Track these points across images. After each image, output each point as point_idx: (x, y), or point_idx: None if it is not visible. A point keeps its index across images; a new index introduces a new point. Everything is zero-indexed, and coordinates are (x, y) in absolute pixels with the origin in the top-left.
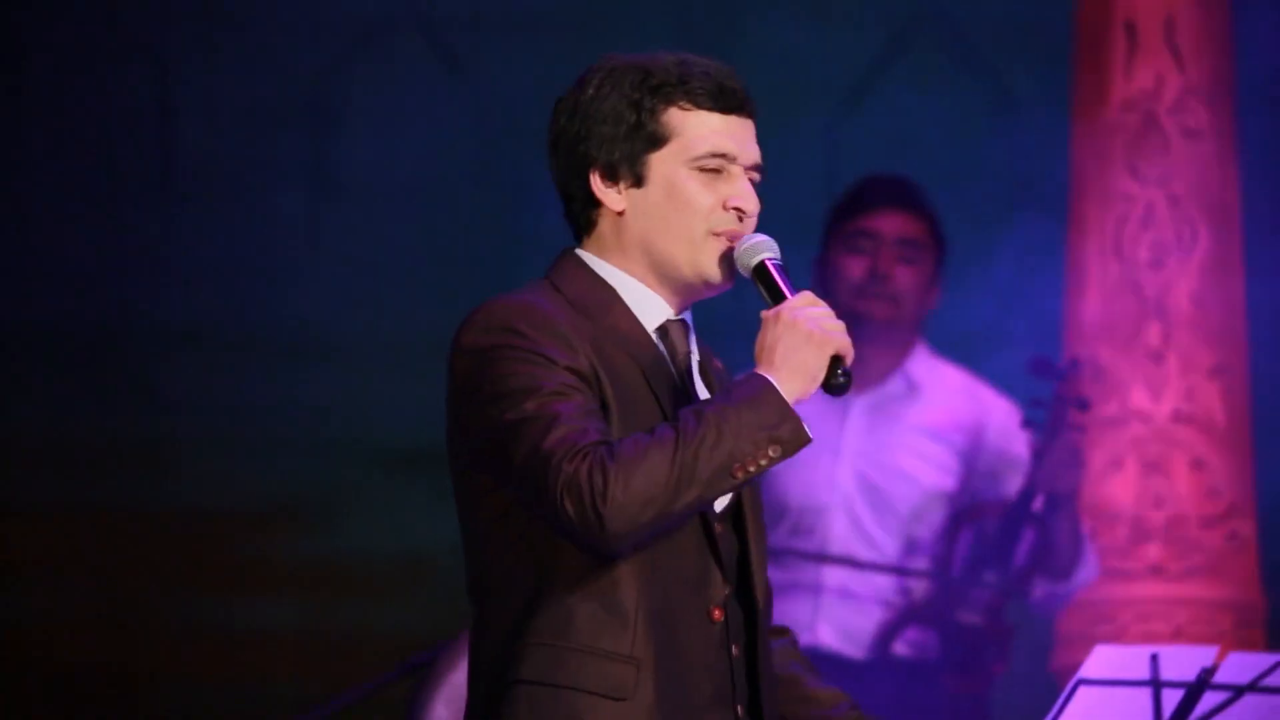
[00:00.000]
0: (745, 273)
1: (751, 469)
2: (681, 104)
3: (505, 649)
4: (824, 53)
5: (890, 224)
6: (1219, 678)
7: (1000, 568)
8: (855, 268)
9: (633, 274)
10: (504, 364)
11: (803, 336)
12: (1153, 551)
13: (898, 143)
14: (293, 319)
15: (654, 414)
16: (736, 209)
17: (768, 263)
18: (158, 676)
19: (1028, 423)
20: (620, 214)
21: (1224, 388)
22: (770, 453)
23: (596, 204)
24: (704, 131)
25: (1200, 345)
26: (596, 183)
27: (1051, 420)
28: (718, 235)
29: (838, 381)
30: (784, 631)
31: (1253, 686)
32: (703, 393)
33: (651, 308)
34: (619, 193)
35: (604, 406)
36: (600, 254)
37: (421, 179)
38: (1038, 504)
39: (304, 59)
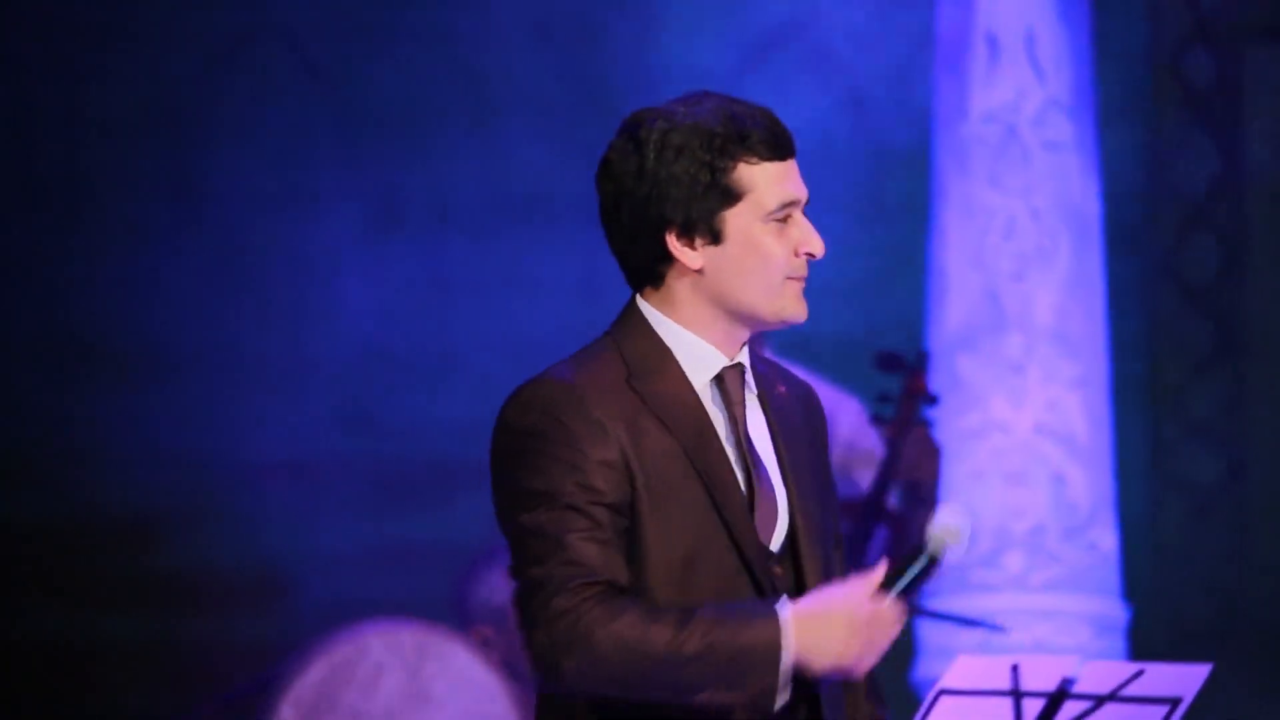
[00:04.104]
0: (928, 546)
1: (705, 699)
2: (746, 159)
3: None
4: (684, 63)
5: None
6: (1079, 687)
7: (854, 565)
8: None
9: (692, 328)
10: (533, 456)
11: (846, 633)
12: (1014, 562)
13: None
14: (147, 330)
15: (694, 492)
16: (808, 254)
17: (940, 556)
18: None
19: (876, 418)
20: (699, 270)
21: (1084, 400)
22: (731, 697)
23: (668, 262)
24: (773, 184)
25: (1061, 358)
26: (673, 242)
27: (902, 414)
28: (794, 280)
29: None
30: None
31: (1113, 696)
32: (758, 441)
33: (706, 361)
34: (695, 250)
35: (633, 492)
36: (664, 308)
37: (284, 189)
38: (891, 499)
39: (165, 70)
